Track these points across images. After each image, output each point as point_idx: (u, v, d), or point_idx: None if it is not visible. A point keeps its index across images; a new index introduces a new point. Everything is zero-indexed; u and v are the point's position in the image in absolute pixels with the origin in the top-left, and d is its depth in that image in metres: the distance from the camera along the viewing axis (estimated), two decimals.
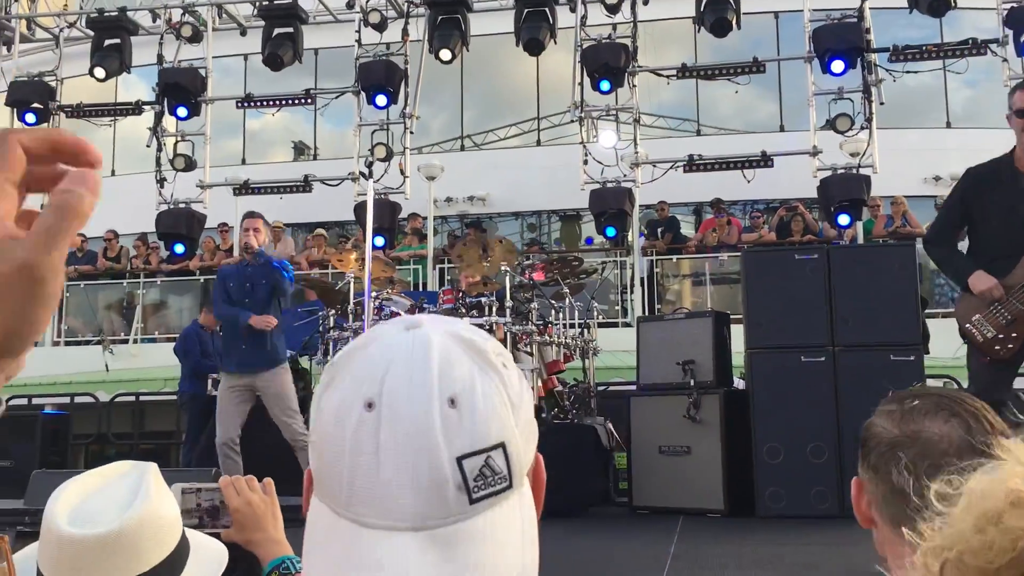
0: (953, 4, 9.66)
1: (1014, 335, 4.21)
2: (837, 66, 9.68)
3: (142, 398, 11.54)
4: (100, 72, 11.28)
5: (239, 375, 6.51)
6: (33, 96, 11.36)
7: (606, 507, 7.22)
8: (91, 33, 11.66)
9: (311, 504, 0.78)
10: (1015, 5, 9.62)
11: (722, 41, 10.79)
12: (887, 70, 10.04)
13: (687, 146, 12.08)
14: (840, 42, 9.69)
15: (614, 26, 10.89)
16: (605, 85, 10.21)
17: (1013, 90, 4.39)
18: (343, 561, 0.72)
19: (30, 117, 11.36)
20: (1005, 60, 9.76)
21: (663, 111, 17.43)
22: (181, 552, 1.41)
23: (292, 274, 6.87)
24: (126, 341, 14.04)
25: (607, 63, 10.14)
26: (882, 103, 10.10)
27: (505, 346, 7.13)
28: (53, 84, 11.66)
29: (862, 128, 9.94)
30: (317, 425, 0.77)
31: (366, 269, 5.56)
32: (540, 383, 7.62)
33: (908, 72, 10.14)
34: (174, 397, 9.88)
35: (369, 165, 7.27)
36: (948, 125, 16.50)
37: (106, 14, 11.48)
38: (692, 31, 12.40)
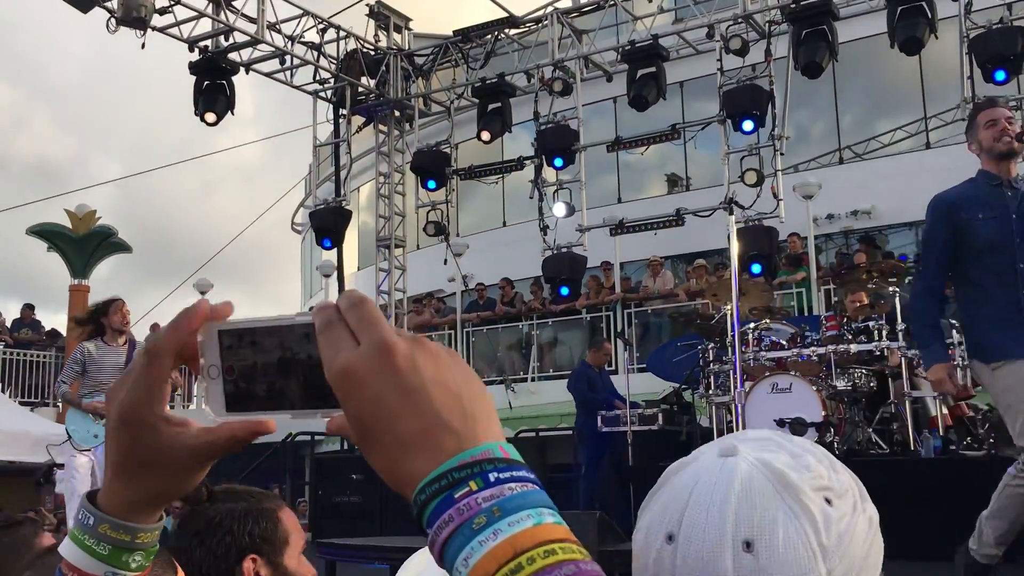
0: None
1: None
2: None
3: (541, 433, 12.29)
4: (486, 135, 12.38)
5: None
6: (433, 164, 12.75)
7: None
8: (476, 101, 12.83)
9: None
10: None
11: None
12: None
13: None
14: None
15: (1009, 6, 9.76)
16: (1000, 75, 9.15)
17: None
18: None
19: (431, 183, 12.77)
20: None
21: None
22: None
23: None
24: (525, 379, 15.07)
25: (1001, 51, 9.09)
26: None
27: (900, 373, 6.61)
28: (448, 151, 13.00)
29: None
30: (635, 539, 0.79)
31: (733, 303, 5.46)
32: (945, 411, 6.95)
33: None
34: (570, 432, 10.40)
35: (730, 202, 7.14)
36: None
37: (488, 82, 12.58)
38: None
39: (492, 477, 0.60)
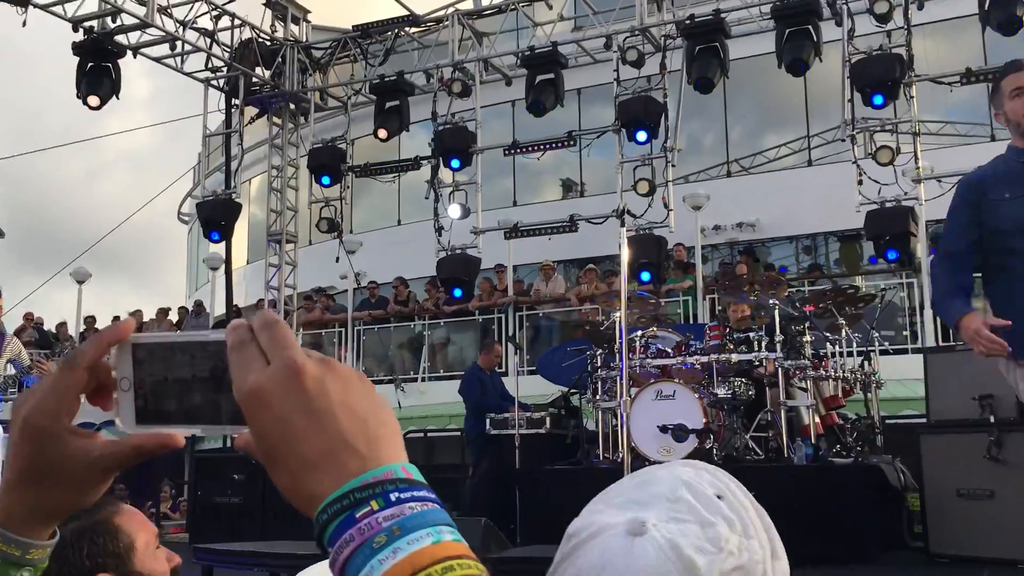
0: None
1: None
2: None
3: (430, 434, 12.26)
4: (383, 133, 12.28)
5: None
6: (329, 160, 12.57)
7: (899, 553, 6.71)
8: (374, 97, 12.72)
9: None
10: None
11: (1013, 39, 9.80)
12: None
13: (980, 154, 11.05)
14: None
15: (888, 34, 10.27)
16: (878, 100, 9.61)
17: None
18: None
19: (325, 179, 12.59)
20: None
21: (951, 116, 16.11)
22: None
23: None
24: (415, 379, 15.01)
25: (879, 77, 9.55)
26: None
27: (777, 382, 6.88)
28: (344, 147, 12.83)
29: None
30: None
31: (621, 311, 5.57)
32: (817, 420, 7.26)
33: None
34: (458, 433, 10.41)
35: (621, 214, 7.28)
36: None
37: (387, 79, 12.48)
38: (978, 31, 11.38)
39: (393, 497, 0.61)
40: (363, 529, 0.60)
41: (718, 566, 0.72)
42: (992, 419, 6.04)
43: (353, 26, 13.26)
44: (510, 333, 14.01)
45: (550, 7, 12.95)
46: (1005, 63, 3.70)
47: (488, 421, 8.86)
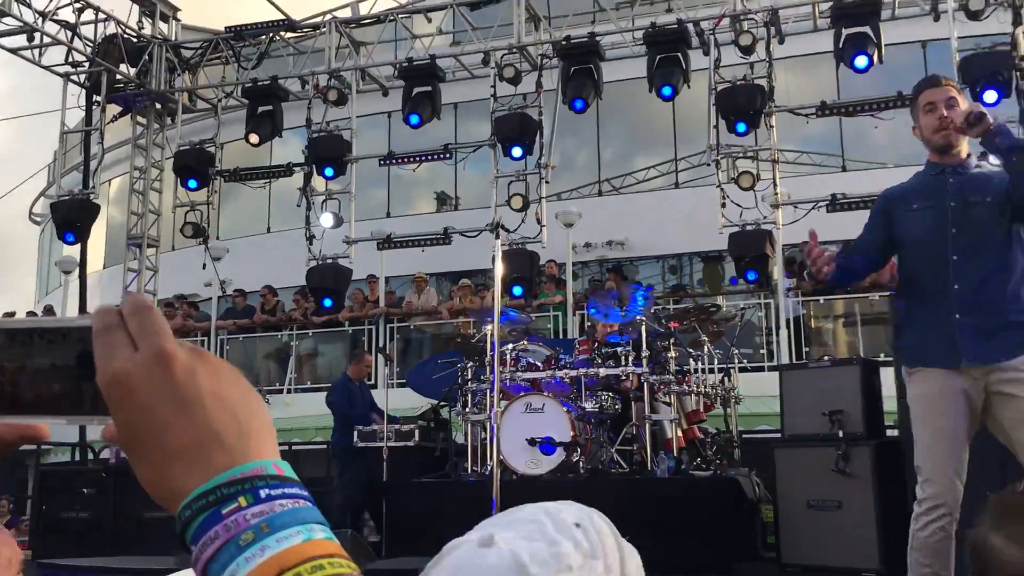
0: None
1: None
2: (989, 96, 9.19)
3: (295, 447, 11.99)
4: (254, 138, 12.00)
5: None
6: (195, 163, 12.17)
7: (754, 563, 6.96)
8: (246, 101, 12.41)
9: None
10: None
11: (864, 76, 10.43)
12: None
13: (832, 183, 11.71)
14: (985, 71, 9.23)
15: (751, 65, 10.74)
16: (741, 127, 10.05)
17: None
18: None
19: (192, 183, 12.18)
20: None
21: (807, 146, 16.97)
22: None
23: None
24: (281, 391, 14.66)
25: (742, 106, 9.99)
26: None
27: (641, 396, 7.05)
28: (212, 151, 12.46)
29: None
30: None
31: (494, 323, 5.61)
32: (680, 433, 7.47)
33: None
34: (324, 446, 10.22)
35: (496, 226, 7.34)
36: None
37: (259, 83, 12.20)
38: (832, 67, 12.04)
39: (263, 493, 0.59)
40: (229, 526, 0.57)
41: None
42: (840, 433, 6.34)
43: (226, 27, 12.92)
44: (380, 345, 13.88)
45: (429, 20, 12.98)
46: (921, 79, 3.80)
47: (356, 433, 8.74)
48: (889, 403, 6.69)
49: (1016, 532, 1.07)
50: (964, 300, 3.47)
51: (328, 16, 12.83)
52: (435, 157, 11.86)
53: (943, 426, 3.48)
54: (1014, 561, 1.05)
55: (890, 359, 6.66)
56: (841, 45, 10.01)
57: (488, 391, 6.90)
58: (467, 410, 7.63)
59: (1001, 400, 3.42)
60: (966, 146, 3.63)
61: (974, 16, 10.08)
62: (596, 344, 7.59)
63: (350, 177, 12.03)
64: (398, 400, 10.21)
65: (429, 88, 11.44)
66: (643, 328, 7.17)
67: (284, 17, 12.76)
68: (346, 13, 13.44)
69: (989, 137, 3.40)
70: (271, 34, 12.87)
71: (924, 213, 3.61)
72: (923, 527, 3.52)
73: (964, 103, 3.57)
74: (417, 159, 12.06)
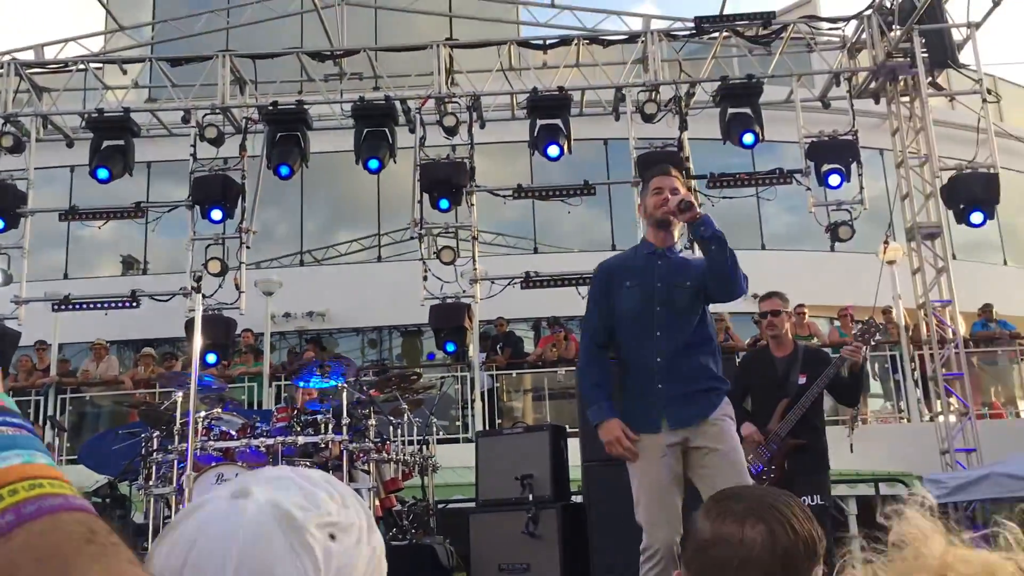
0: (762, 138, 10.52)
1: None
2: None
3: None
4: None
5: None
6: None
7: None
8: None
9: None
10: (814, 140, 10.56)
11: (556, 165, 11.29)
12: (705, 195, 10.74)
13: (525, 263, 12.42)
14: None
15: (453, 147, 11.22)
16: (444, 203, 10.43)
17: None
18: None
19: None
20: (808, 188, 10.64)
21: (503, 229, 17.90)
22: None
23: None
24: None
25: (445, 181, 10.39)
26: None
27: (341, 465, 6.95)
28: None
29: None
30: None
31: (192, 388, 5.33)
32: (377, 502, 7.43)
33: (725, 197, 10.87)
34: None
35: (197, 280, 7.02)
36: (763, 247, 17.65)
37: None
38: (527, 155, 12.90)
39: None
40: None
41: (314, 519, 0.76)
42: (530, 497, 6.63)
43: None
44: (50, 415, 12.57)
45: (124, 72, 12.32)
46: (655, 167, 4.34)
47: None
48: (575, 471, 7.12)
49: (706, 508, 1.35)
50: (666, 371, 3.95)
51: (7, 57, 11.77)
52: (125, 215, 11.13)
53: (652, 481, 3.94)
54: (696, 530, 1.33)
55: (576, 429, 7.10)
56: (536, 134, 10.76)
57: (176, 462, 6.48)
58: (150, 483, 7.09)
59: (697, 454, 3.94)
60: (678, 232, 4.18)
61: (649, 119, 11.29)
62: (296, 412, 7.40)
63: (24, 231, 10.97)
64: (70, 477, 9.26)
65: (122, 142, 10.80)
66: (344, 396, 7.11)
67: None
68: (29, 56, 12.40)
69: (695, 224, 3.90)
70: None
71: (635, 290, 4.04)
72: (645, 573, 3.94)
73: (684, 191, 4.05)
74: (104, 215, 11.23)
